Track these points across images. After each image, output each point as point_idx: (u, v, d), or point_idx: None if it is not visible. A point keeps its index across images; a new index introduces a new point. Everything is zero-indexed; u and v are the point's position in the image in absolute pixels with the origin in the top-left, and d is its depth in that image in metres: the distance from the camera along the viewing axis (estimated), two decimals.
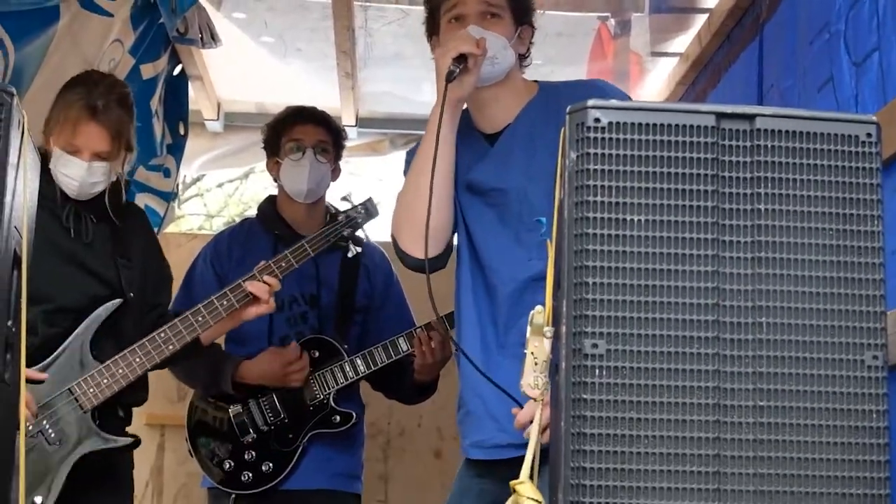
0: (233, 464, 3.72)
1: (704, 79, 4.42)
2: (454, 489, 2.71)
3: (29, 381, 2.92)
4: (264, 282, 3.25)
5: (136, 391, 3.25)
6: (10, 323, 1.77)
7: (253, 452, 3.72)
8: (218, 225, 13.42)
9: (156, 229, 4.61)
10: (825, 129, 1.74)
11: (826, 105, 2.86)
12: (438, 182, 2.51)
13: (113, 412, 3.18)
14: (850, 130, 1.74)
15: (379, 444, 5.29)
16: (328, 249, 3.66)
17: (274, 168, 3.88)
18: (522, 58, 2.74)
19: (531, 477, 1.83)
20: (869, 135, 1.74)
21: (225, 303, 3.22)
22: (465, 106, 2.65)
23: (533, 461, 1.84)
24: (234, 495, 3.72)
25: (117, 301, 3.16)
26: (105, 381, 3.08)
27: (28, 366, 2.87)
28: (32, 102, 3.32)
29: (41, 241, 3.01)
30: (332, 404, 3.75)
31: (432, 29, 2.75)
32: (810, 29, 3.06)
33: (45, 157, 3.13)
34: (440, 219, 2.57)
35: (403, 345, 3.72)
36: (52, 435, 3.03)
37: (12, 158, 1.76)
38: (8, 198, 1.74)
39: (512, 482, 1.83)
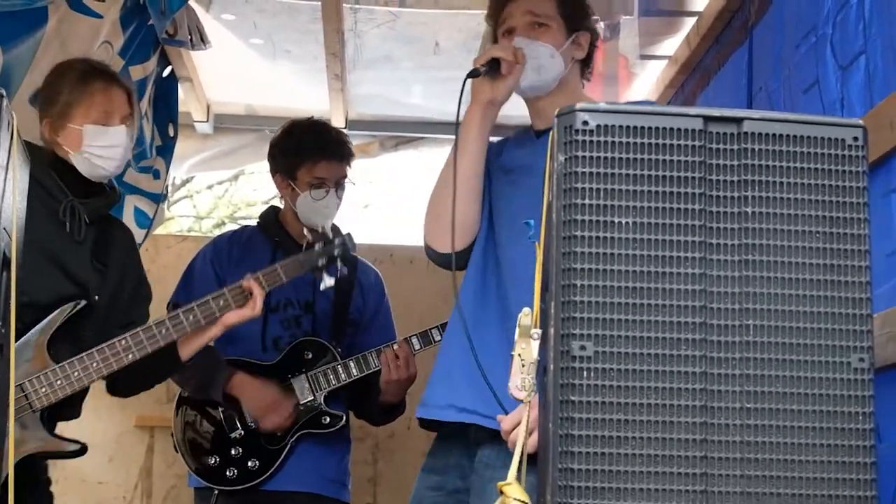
0: (218, 459, 3.72)
1: (693, 82, 4.43)
2: (411, 498, 2.74)
3: None
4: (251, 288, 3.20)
5: (73, 405, 3.13)
6: None
7: (239, 449, 3.72)
8: (207, 226, 13.41)
9: (145, 231, 4.62)
10: (812, 133, 1.75)
11: (811, 108, 2.88)
12: (467, 180, 2.57)
13: (53, 416, 3.05)
14: (836, 134, 1.75)
15: (368, 446, 5.29)
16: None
17: (286, 190, 3.85)
18: (584, 64, 2.78)
19: (518, 479, 1.83)
20: (855, 138, 1.75)
21: (191, 318, 3.11)
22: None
23: (520, 463, 1.84)
24: (216, 491, 3.72)
25: (82, 302, 3.05)
26: (59, 382, 2.95)
27: None
28: (21, 104, 3.31)
29: (29, 237, 3.01)
30: (323, 405, 3.76)
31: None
32: (797, 32, 3.07)
33: (48, 152, 3.09)
34: (467, 214, 2.62)
35: (373, 361, 3.75)
36: None
37: (1, 160, 1.76)
38: None
39: (499, 483, 1.83)
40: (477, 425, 2.52)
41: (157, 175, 4.69)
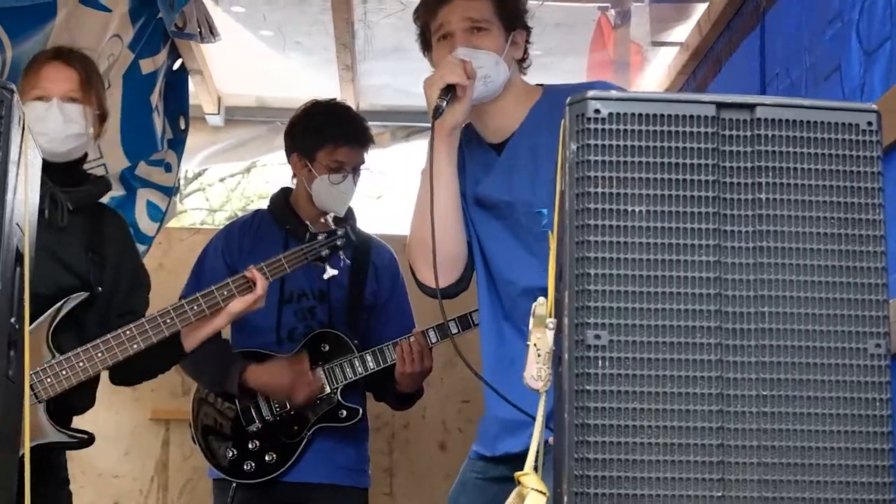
0: (236, 452, 3.73)
1: (705, 68, 4.42)
2: (457, 479, 2.73)
3: None
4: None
5: (85, 395, 3.13)
6: (13, 320, 1.78)
7: (257, 442, 3.72)
8: (220, 219, 13.43)
9: (157, 224, 4.62)
10: (826, 118, 1.74)
11: (832, 94, 2.85)
12: (445, 213, 2.55)
13: (65, 409, 3.06)
14: (850, 119, 1.74)
15: (384, 436, 5.30)
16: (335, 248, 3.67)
17: (302, 171, 3.82)
18: (521, 62, 2.73)
19: (535, 468, 1.83)
20: (869, 123, 1.74)
21: (196, 308, 3.10)
22: (464, 124, 2.65)
23: (537, 453, 1.84)
24: (234, 484, 3.73)
25: (84, 294, 3.05)
26: (64, 372, 2.95)
27: None
28: None
29: None
30: (340, 399, 3.76)
31: (425, 45, 2.76)
32: (821, 18, 3.05)
33: None
34: (452, 248, 2.61)
35: (390, 354, 3.76)
36: None
37: (13, 155, 1.76)
38: (9, 195, 1.74)
39: (517, 473, 1.83)
40: None
41: (168, 168, 4.69)
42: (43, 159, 3.01)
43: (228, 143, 5.69)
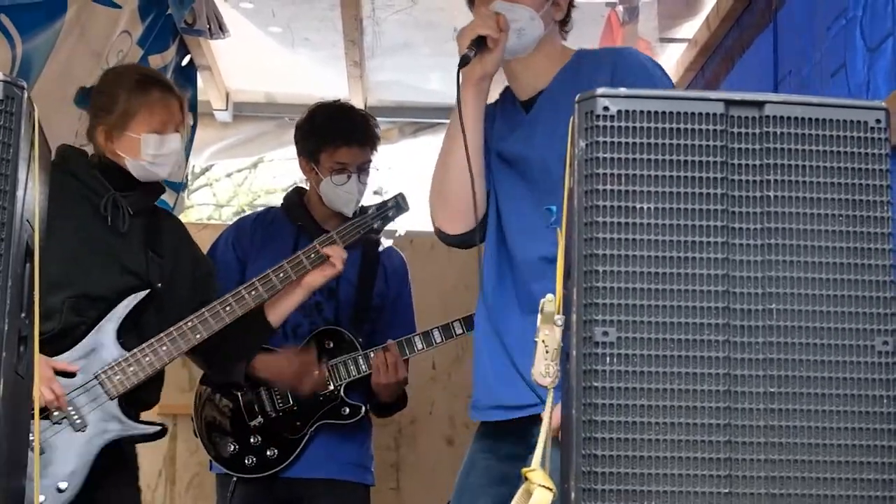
0: (237, 447, 3.73)
1: (714, 64, 4.41)
2: (465, 458, 2.73)
3: (60, 373, 2.97)
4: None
5: (152, 391, 3.26)
6: (23, 315, 1.78)
7: (259, 437, 3.73)
8: (227, 214, 13.44)
9: None
10: (834, 116, 1.74)
11: (838, 92, 2.86)
12: (471, 159, 2.55)
13: (133, 403, 3.18)
14: (858, 116, 1.74)
15: (390, 432, 5.30)
16: (349, 245, 3.70)
17: (310, 174, 3.86)
18: (563, 24, 2.74)
19: (542, 465, 1.83)
20: (878, 121, 1.74)
21: (253, 293, 3.24)
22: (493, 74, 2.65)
23: (544, 449, 1.85)
24: (235, 478, 3.73)
25: (144, 292, 3.17)
26: (132, 368, 3.09)
27: (50, 354, 2.93)
28: (40, 95, 3.31)
29: (75, 229, 3.10)
30: (343, 396, 3.76)
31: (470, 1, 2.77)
32: (827, 15, 3.05)
33: (91, 155, 3.21)
34: (470, 196, 2.60)
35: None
36: (78, 422, 3.03)
37: (23, 152, 1.76)
38: (20, 191, 1.74)
39: (524, 469, 1.83)
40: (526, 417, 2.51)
41: None
42: (102, 162, 3.20)
43: (236, 138, 5.70)
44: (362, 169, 3.81)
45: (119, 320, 3.12)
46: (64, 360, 3.03)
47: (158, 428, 3.19)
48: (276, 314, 3.36)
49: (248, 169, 13.98)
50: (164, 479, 5.34)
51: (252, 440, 3.73)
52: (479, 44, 2.53)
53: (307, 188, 3.95)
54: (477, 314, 2.74)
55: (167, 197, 4.65)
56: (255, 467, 3.72)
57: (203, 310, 3.19)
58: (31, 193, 1.82)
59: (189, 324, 3.16)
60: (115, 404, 3.09)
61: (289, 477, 3.74)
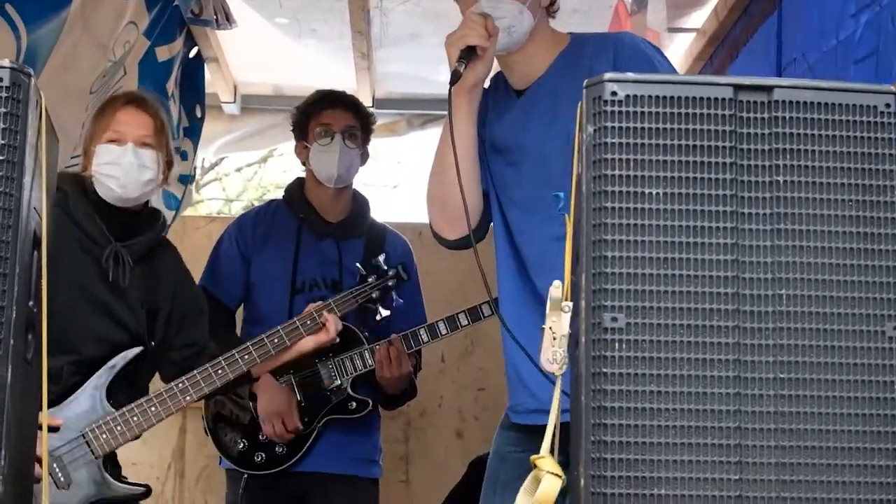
0: (246, 444, 3.74)
1: (722, 54, 4.40)
2: (493, 450, 2.71)
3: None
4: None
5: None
6: (31, 303, 1.78)
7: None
8: (237, 209, 13.44)
9: (174, 212, 4.63)
10: (843, 100, 1.73)
11: (862, 78, 2.83)
12: (465, 167, 2.52)
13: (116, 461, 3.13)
14: (868, 101, 1.73)
15: (399, 424, 5.30)
16: (352, 236, 3.72)
17: (303, 152, 3.88)
18: (549, 7, 2.66)
19: (552, 451, 1.83)
20: (888, 105, 1.73)
21: (247, 357, 3.18)
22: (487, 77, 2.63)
23: (553, 435, 1.84)
24: (246, 475, 3.74)
25: (136, 350, 3.09)
26: (119, 428, 3.02)
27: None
28: (45, 86, 3.30)
29: (76, 286, 3.02)
30: (350, 391, 3.76)
31: None
32: (846, 2, 3.02)
33: (81, 186, 3.09)
34: (470, 200, 2.58)
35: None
36: (62, 479, 2.96)
37: (30, 139, 1.76)
38: (27, 179, 1.74)
39: (532, 457, 1.83)
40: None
41: (184, 156, 4.71)
42: (102, 204, 3.07)
43: (245, 131, 5.69)
44: (348, 133, 3.82)
45: (110, 378, 3.04)
46: (51, 415, 2.89)
47: (142, 490, 3.11)
48: (259, 370, 3.29)
49: (257, 163, 13.96)
50: (174, 473, 5.35)
51: (261, 437, 3.73)
52: (469, 54, 2.48)
53: (305, 177, 3.97)
54: (504, 315, 2.71)
55: (175, 190, 4.66)
56: (265, 463, 3.73)
57: (195, 372, 3.11)
58: (38, 181, 1.82)
59: (180, 385, 3.09)
60: (100, 464, 3.01)
61: (298, 471, 3.75)
